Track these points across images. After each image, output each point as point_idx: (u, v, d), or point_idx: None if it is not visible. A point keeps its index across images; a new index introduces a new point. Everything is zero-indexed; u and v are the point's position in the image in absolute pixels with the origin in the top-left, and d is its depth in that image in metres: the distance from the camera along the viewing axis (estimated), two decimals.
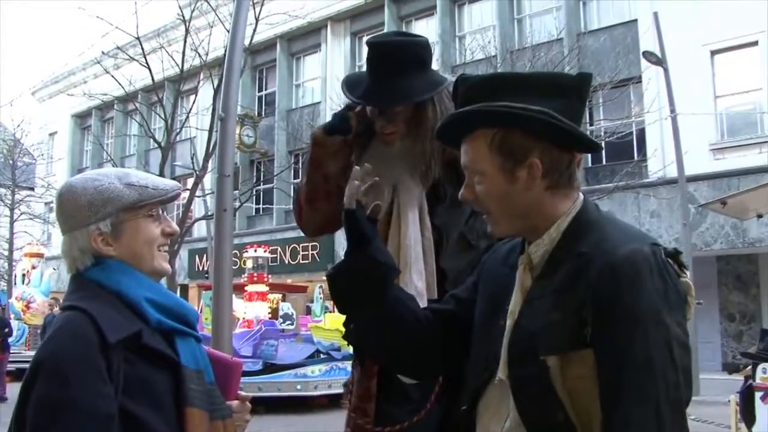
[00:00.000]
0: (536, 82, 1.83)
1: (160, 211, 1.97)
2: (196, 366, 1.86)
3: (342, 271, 2.03)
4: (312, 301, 21.41)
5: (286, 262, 28.73)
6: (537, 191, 1.75)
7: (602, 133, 21.93)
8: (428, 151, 2.67)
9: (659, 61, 17.28)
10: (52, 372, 1.63)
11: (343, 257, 2.05)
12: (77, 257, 1.86)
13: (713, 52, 20.49)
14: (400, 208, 2.70)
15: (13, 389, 17.01)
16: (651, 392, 1.53)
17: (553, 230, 1.76)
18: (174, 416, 1.76)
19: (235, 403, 2.00)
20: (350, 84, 2.80)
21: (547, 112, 1.70)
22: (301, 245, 28.44)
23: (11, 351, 22.14)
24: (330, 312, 18.00)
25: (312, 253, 28.00)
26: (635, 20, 22.08)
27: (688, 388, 1.60)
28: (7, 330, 17.12)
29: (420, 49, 2.76)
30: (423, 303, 2.46)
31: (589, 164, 22.60)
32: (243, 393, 2.05)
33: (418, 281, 2.63)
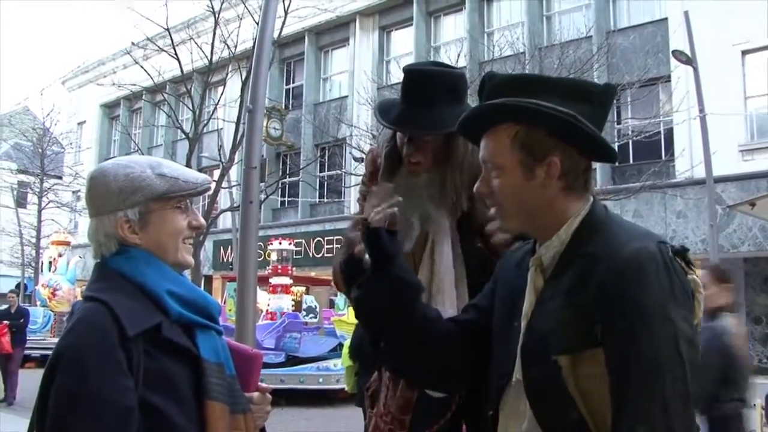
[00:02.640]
0: (562, 85, 1.85)
1: (189, 204, 1.96)
2: (217, 359, 1.86)
3: (367, 292, 2.04)
4: (335, 295, 21.44)
5: (311, 255, 28.78)
6: (552, 191, 1.77)
7: (630, 132, 21.78)
8: (458, 183, 2.64)
9: (689, 60, 17.12)
10: (72, 364, 1.64)
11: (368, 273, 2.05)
12: (102, 242, 1.85)
13: (744, 52, 20.27)
14: (433, 237, 2.68)
15: (38, 374, 17.10)
16: (658, 388, 1.54)
17: (563, 232, 1.78)
18: (194, 409, 1.76)
19: (255, 394, 1.99)
20: (383, 109, 2.77)
21: (573, 115, 1.72)
22: (325, 238, 28.50)
23: (32, 338, 22.34)
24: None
25: (336, 247, 27.91)
26: (665, 19, 21.89)
27: (696, 383, 1.60)
28: (22, 320, 15.25)
29: (455, 79, 2.72)
30: None
31: (616, 163, 22.44)
32: (264, 384, 2.04)
33: (450, 309, 2.60)
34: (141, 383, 1.67)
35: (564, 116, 1.72)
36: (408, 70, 2.71)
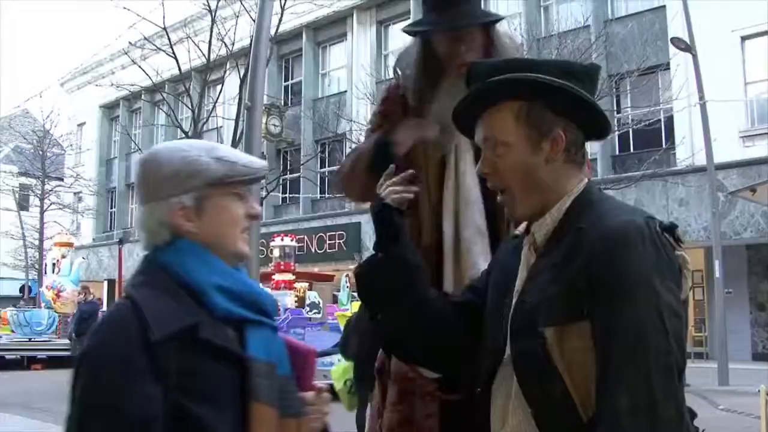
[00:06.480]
0: (549, 66, 1.86)
1: (247, 191, 1.82)
2: (268, 357, 1.70)
3: (370, 269, 2.05)
4: (339, 290, 21.46)
5: (313, 251, 28.79)
6: (556, 164, 1.79)
7: (630, 121, 21.76)
8: None
9: (688, 47, 17.07)
10: (89, 371, 1.57)
11: (371, 250, 2.06)
12: (155, 231, 1.72)
13: (743, 38, 20.23)
14: (458, 150, 2.61)
15: (44, 376, 17.17)
16: (641, 359, 1.54)
17: (555, 210, 1.80)
18: (237, 413, 1.62)
19: (310, 394, 1.83)
20: (413, 29, 2.72)
21: (573, 86, 1.75)
22: (327, 234, 28.52)
23: (37, 340, 22.44)
24: (357, 301, 18.01)
25: (339, 242, 28.05)
26: (663, 6, 21.85)
27: (682, 357, 1.60)
28: None
29: None
30: (484, 240, 2.51)
31: (617, 152, 22.45)
32: (319, 383, 1.88)
33: (479, 218, 2.56)
34: (174, 389, 1.56)
35: (566, 87, 1.75)
36: None
